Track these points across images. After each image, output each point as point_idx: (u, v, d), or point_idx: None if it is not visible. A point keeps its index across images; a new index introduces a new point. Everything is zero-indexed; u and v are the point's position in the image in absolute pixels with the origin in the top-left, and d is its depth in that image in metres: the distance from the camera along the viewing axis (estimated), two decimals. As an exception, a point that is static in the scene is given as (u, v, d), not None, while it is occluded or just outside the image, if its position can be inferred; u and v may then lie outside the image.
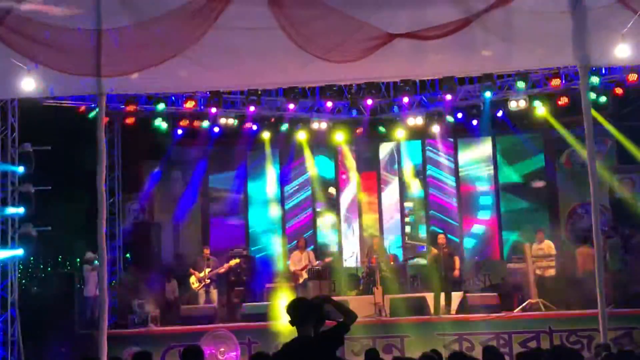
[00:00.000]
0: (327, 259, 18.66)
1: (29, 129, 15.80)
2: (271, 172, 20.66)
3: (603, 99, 17.44)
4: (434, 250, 16.98)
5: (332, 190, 20.22)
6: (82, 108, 16.96)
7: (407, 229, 20.36)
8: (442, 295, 16.37)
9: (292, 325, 6.23)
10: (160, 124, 18.39)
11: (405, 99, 18.41)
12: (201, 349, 7.88)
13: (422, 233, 20.25)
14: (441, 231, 18.17)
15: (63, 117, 16.92)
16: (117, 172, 18.74)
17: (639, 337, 14.15)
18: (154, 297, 16.83)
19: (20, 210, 15.23)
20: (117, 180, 18.75)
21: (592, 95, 15.64)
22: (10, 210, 15.16)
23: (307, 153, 20.39)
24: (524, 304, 15.87)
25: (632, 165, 19.20)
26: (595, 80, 16.50)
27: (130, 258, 18.79)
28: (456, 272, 16.78)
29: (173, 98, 17.99)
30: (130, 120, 18.05)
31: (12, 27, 10.36)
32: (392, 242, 20.04)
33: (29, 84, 11.48)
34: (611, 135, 19.04)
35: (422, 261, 18.23)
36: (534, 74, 17.44)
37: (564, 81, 17.05)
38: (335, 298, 7.44)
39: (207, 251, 18.07)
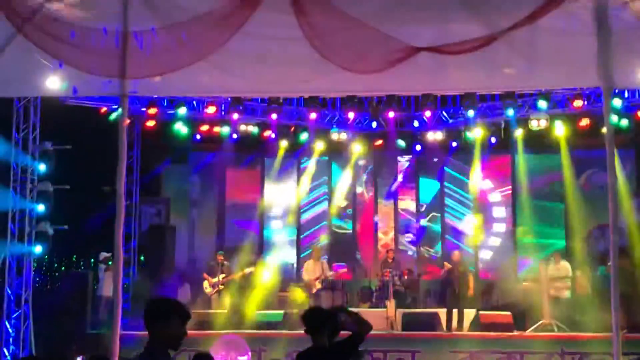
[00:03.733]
0: (341, 270, 18.64)
1: (50, 128, 15.90)
2: (289, 181, 20.69)
3: (625, 122, 17.37)
4: (448, 266, 16.94)
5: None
6: (104, 109, 17.07)
7: (423, 243, 20.27)
8: (455, 311, 16.32)
9: (307, 333, 6.24)
10: (181, 128, 18.49)
11: (427, 114, 18.38)
12: (211, 356, 7.89)
13: (438, 248, 20.20)
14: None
15: (84, 118, 17.02)
16: (135, 175, 18.81)
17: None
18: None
19: (41, 207, 15.32)
20: (135, 183, 18.81)
21: (614, 118, 15.56)
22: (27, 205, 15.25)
23: (326, 163, 20.42)
24: (537, 324, 15.77)
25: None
26: (617, 103, 16.43)
27: (145, 260, 18.83)
28: (470, 292, 16.71)
29: (194, 103, 18.08)
30: (150, 124, 18.13)
31: (39, 26, 10.42)
32: (406, 256, 19.99)
33: (53, 83, 11.56)
34: (631, 159, 18.99)
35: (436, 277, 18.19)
36: (556, 94, 17.40)
37: (586, 102, 16.99)
38: (348, 309, 7.43)
39: (220, 257, 18.11)
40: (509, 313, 16.23)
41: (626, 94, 16.86)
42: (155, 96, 16.64)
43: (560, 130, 18.01)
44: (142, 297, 17.02)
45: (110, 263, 16.62)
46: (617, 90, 15.74)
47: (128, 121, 14.60)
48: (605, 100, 11.87)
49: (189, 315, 5.00)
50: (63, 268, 22.80)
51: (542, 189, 19.94)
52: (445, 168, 20.36)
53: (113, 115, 16.60)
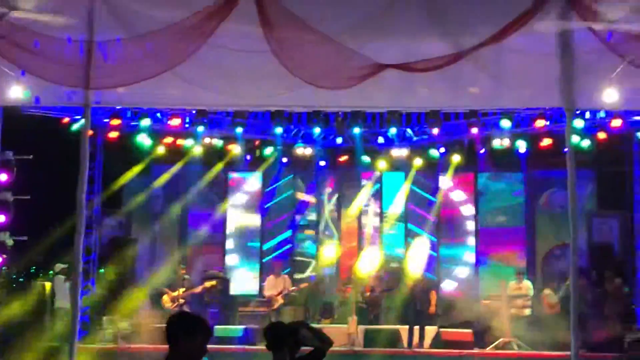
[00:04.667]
0: (303, 285, 18.59)
1: (12, 137, 15.68)
2: (252, 194, 20.62)
3: (586, 142, 17.58)
4: (410, 284, 16.96)
5: None
6: (67, 119, 16.90)
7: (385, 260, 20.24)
8: (416, 328, 16.34)
9: (268, 349, 6.19)
10: (144, 140, 18.34)
11: (393, 130, 18.41)
12: None
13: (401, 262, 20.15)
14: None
15: (46, 127, 16.83)
16: (97, 186, 18.61)
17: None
18: (125, 314, 16.67)
19: (1, 218, 15.09)
20: (97, 194, 18.61)
21: (575, 139, 15.73)
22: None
23: (291, 177, 20.41)
24: (497, 342, 15.85)
25: (611, 210, 19.35)
26: (579, 123, 16.62)
27: (104, 273, 18.60)
28: (432, 308, 16.75)
29: (158, 114, 17.95)
30: (113, 135, 17.98)
31: (2, 35, 10.31)
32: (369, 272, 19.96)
33: (16, 92, 11.43)
34: (592, 179, 19.24)
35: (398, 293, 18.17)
36: (519, 114, 17.56)
37: (548, 122, 17.16)
38: (309, 325, 7.38)
39: (182, 271, 17.98)
40: (469, 331, 16.29)
41: (588, 115, 17.04)
42: (119, 107, 16.51)
43: (522, 149, 18.17)
44: (101, 310, 16.85)
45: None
46: (580, 111, 15.92)
47: (91, 132, 14.52)
48: (567, 121, 12.02)
49: (211, 333, 5.16)
50: (22, 279, 22.44)
51: (504, 207, 20.05)
52: (410, 185, 20.37)
53: (75, 126, 16.44)
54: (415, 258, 18.70)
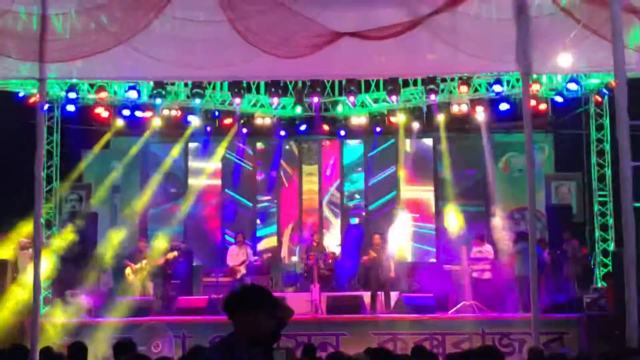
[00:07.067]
0: (266, 255, 18.65)
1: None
2: (213, 166, 20.54)
3: (543, 106, 17.76)
4: (372, 255, 17.09)
5: None
6: (22, 93, 16.69)
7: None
8: (379, 294, 16.50)
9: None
10: (102, 112, 18.18)
11: (351, 99, 18.42)
12: (133, 342, 7.84)
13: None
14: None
15: (1, 101, 16.60)
16: (55, 160, 18.44)
17: (569, 341, 14.42)
18: (88, 288, 16.61)
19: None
20: (55, 168, 18.45)
21: (532, 102, 15.88)
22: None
23: (251, 147, 20.38)
24: (458, 306, 16.05)
25: (569, 173, 19.62)
26: (536, 87, 16.77)
27: (65, 247, 18.47)
28: (392, 274, 16.89)
29: (115, 87, 17.78)
30: (70, 108, 17.79)
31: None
32: (331, 240, 20.10)
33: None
34: (549, 142, 19.48)
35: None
36: (477, 79, 17.66)
37: (505, 87, 17.29)
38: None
39: (142, 243, 17.93)
40: (431, 295, 16.47)
41: (545, 79, 17.20)
42: (76, 80, 16.33)
43: (480, 114, 18.27)
44: (62, 284, 16.76)
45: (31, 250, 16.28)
46: (536, 75, 16.07)
47: (46, 106, 14.37)
48: (523, 86, 12.17)
49: (276, 306, 4.77)
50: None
51: (464, 172, 20.19)
52: (369, 152, 20.46)
53: (31, 100, 16.23)
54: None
